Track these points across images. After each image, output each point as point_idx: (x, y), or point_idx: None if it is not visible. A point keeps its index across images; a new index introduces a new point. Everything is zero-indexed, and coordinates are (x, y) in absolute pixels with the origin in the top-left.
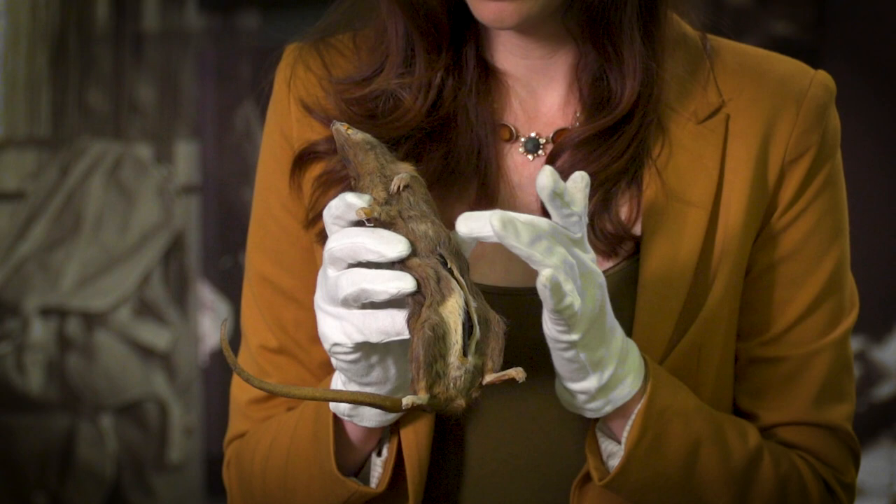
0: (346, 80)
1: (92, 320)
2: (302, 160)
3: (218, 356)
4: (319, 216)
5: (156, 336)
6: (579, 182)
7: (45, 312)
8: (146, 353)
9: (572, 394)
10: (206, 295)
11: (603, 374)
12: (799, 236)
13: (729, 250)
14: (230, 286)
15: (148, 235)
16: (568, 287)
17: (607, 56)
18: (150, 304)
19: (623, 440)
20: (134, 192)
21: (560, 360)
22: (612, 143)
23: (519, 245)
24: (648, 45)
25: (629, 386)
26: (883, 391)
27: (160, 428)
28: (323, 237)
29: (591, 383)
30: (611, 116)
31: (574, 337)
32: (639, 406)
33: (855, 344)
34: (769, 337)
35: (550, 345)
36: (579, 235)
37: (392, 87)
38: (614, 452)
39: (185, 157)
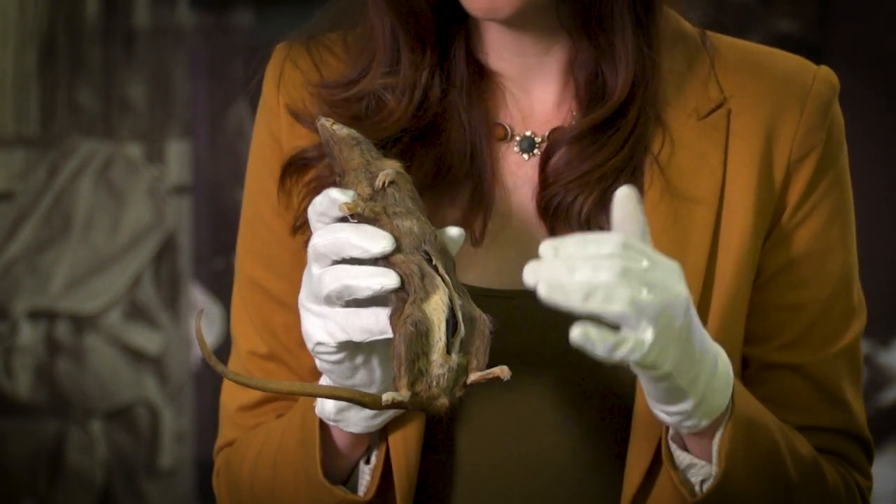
0: (331, 83)
1: (81, 323)
2: (291, 167)
3: None
4: (306, 223)
5: (147, 339)
6: (630, 201)
7: (34, 315)
8: (137, 356)
9: (669, 414)
10: (199, 297)
11: (698, 390)
12: (809, 237)
13: (736, 251)
14: (223, 288)
15: (139, 237)
16: (630, 340)
17: (601, 48)
18: (140, 307)
19: (715, 454)
20: (124, 192)
21: (653, 388)
22: (608, 139)
23: (572, 306)
24: (642, 35)
25: (721, 394)
26: (889, 395)
27: (151, 433)
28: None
29: (688, 404)
30: (605, 109)
31: (666, 369)
32: (727, 417)
33: (861, 348)
34: (785, 341)
35: (639, 374)
36: (644, 264)
37: (376, 89)
38: (693, 464)
39: (177, 157)
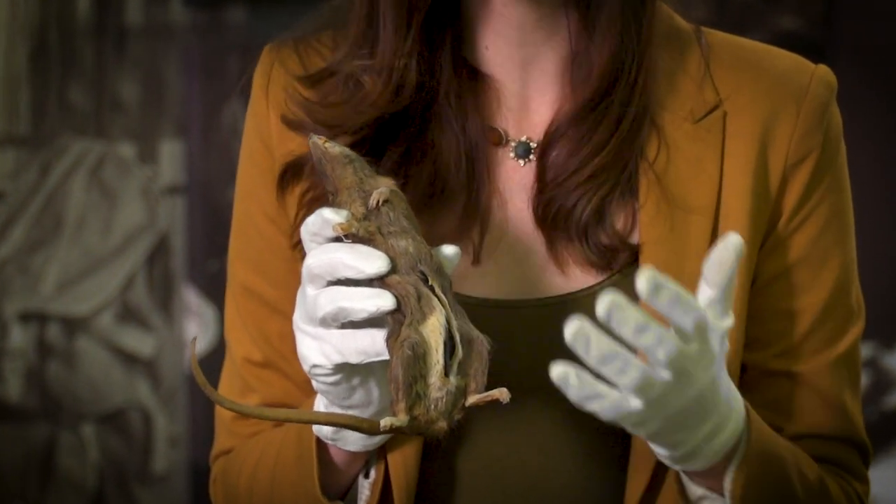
0: (308, 75)
1: (73, 326)
2: (288, 173)
3: (204, 363)
4: None
5: (139, 342)
6: (733, 251)
7: (25, 318)
8: (129, 359)
9: (662, 458)
10: (192, 299)
11: (678, 448)
12: (806, 242)
13: None
14: (216, 290)
15: (131, 237)
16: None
17: (590, 32)
18: (133, 309)
19: (728, 492)
20: (117, 192)
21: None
22: (597, 127)
23: (587, 360)
24: (629, 18)
25: (730, 433)
26: (894, 399)
27: (144, 437)
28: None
29: (669, 453)
30: (588, 86)
31: (646, 433)
32: (739, 455)
33: (865, 350)
34: (783, 348)
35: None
36: (694, 348)
37: (352, 69)
38: (705, 496)
39: (170, 157)
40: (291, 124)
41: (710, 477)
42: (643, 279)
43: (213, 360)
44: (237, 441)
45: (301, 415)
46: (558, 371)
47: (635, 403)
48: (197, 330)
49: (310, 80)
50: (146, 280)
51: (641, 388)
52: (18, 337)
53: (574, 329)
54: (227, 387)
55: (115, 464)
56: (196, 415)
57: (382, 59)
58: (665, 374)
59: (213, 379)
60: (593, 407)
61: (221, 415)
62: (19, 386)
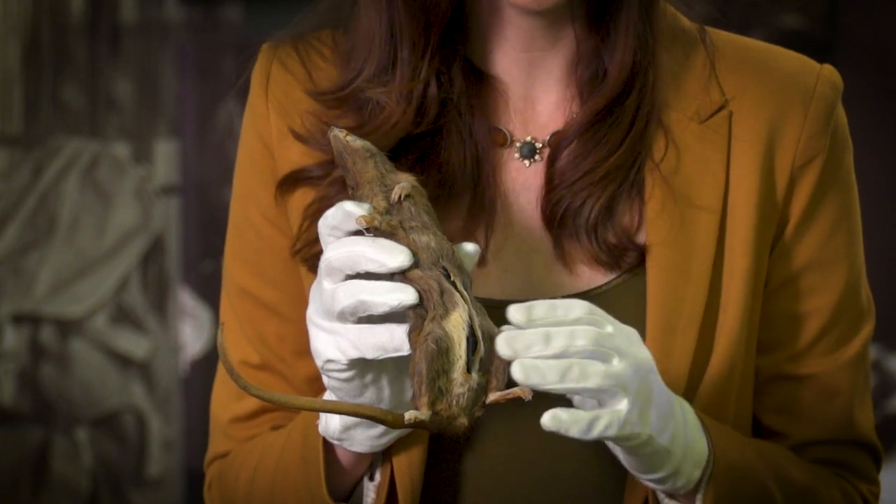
0: (325, 91)
1: (67, 328)
2: (289, 181)
3: (199, 365)
4: (308, 246)
5: (134, 344)
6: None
7: (18, 319)
8: (124, 362)
9: (657, 482)
10: (187, 301)
11: (678, 446)
12: (815, 244)
13: (742, 259)
14: (212, 292)
15: (126, 238)
16: (614, 415)
17: (604, 36)
18: (127, 311)
19: None
20: (111, 192)
21: (634, 459)
22: (608, 132)
23: (549, 387)
24: (646, 23)
25: (699, 441)
26: None
27: (138, 441)
28: (313, 265)
29: (673, 462)
30: (603, 94)
31: (647, 434)
32: (708, 472)
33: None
34: (794, 352)
35: (623, 449)
36: (609, 329)
37: (374, 94)
38: None
39: (165, 157)
40: (302, 139)
41: (685, 498)
42: (513, 311)
43: (208, 363)
44: (233, 445)
45: (325, 404)
46: (548, 418)
47: (622, 403)
48: (192, 332)
49: (326, 101)
50: (140, 281)
51: (609, 378)
52: (11, 339)
53: (523, 368)
54: (224, 389)
55: (108, 467)
56: (191, 418)
57: (403, 81)
58: (615, 362)
59: (208, 382)
60: (598, 431)
61: (217, 417)
62: (12, 388)
